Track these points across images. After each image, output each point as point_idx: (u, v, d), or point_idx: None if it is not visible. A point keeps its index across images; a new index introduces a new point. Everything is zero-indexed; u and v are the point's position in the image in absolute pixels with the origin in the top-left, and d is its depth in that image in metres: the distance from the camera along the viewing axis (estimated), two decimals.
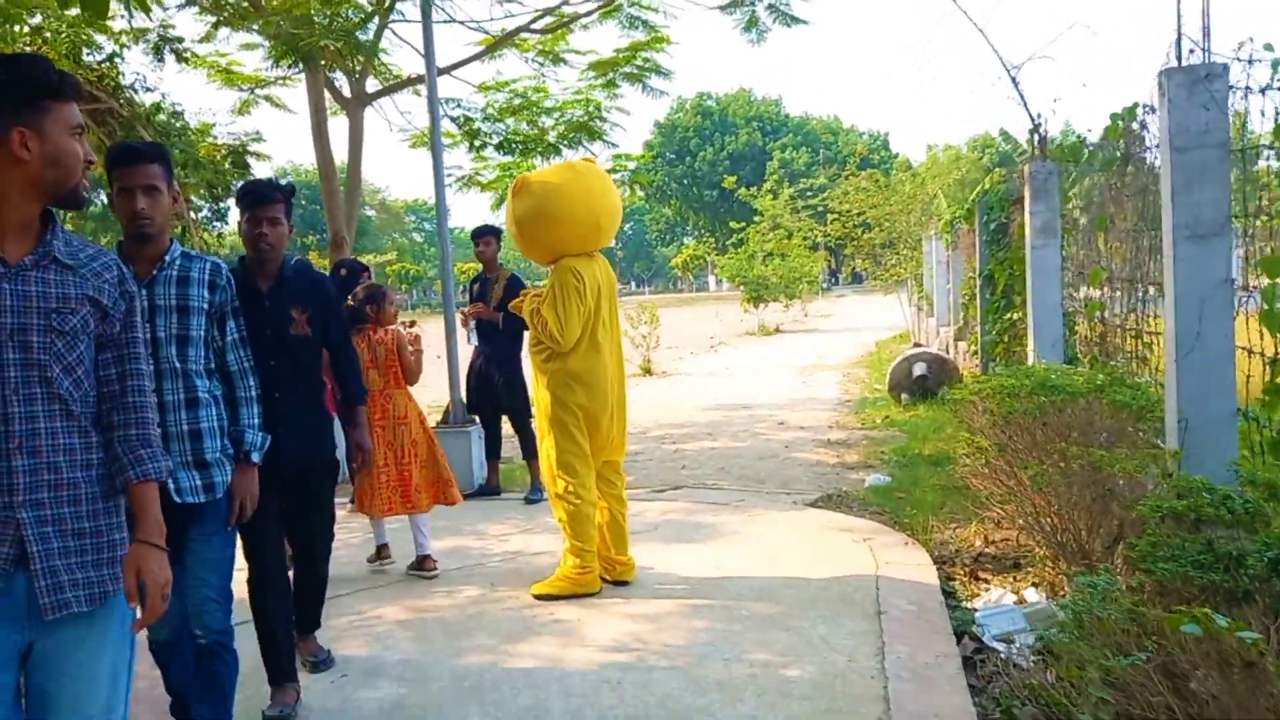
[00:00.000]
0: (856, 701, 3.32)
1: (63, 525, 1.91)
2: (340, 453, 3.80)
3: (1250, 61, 3.49)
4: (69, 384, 1.94)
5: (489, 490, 7.10)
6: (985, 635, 3.85)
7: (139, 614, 1.99)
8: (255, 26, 9.29)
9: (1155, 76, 3.49)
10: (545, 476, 4.81)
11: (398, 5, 9.62)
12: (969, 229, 10.55)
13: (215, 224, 10.85)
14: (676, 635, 4.01)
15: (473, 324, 7.07)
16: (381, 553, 5.29)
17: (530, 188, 4.69)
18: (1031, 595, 4.28)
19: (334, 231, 9.93)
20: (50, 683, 1.91)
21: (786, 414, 10.92)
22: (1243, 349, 3.50)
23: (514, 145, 10.91)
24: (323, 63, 9.60)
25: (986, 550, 5.08)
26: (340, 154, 10.35)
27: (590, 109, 10.88)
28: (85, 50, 7.85)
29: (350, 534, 5.93)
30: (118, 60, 7.76)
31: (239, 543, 3.15)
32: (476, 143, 10.93)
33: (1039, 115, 6.54)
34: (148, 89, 8.06)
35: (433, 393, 13.41)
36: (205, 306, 2.90)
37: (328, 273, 6.60)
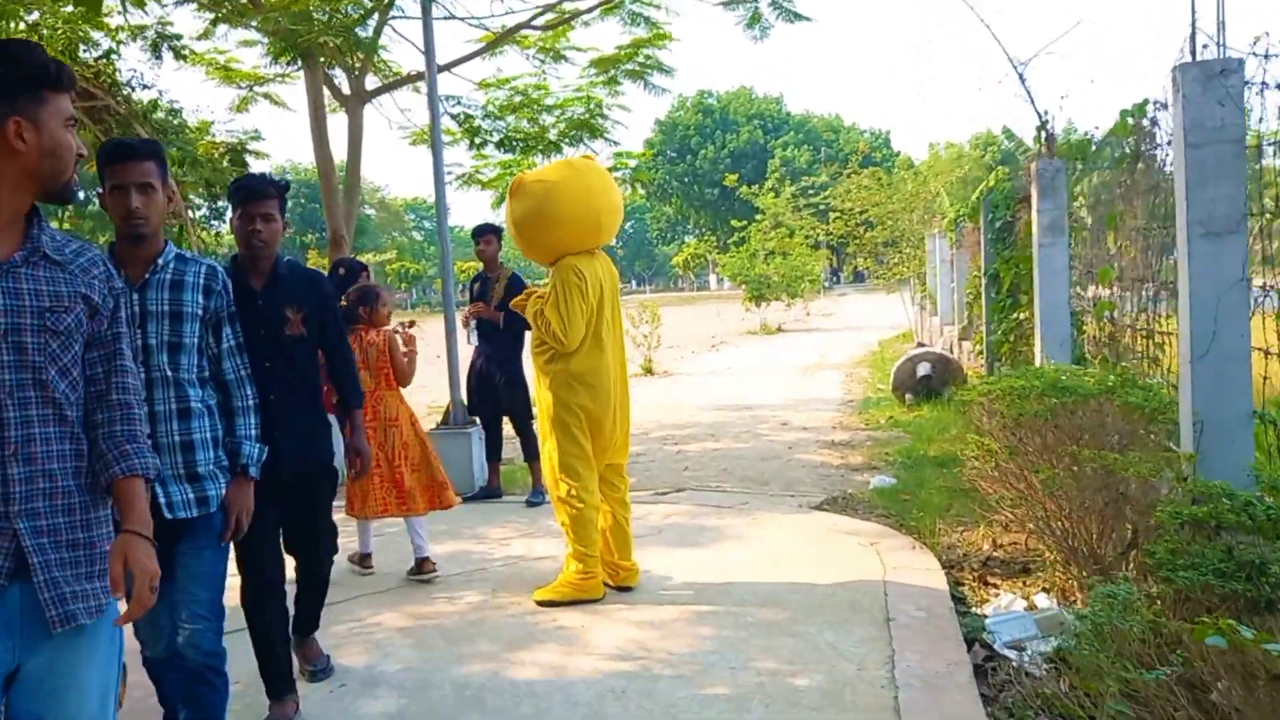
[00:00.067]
0: (867, 712, 3.25)
1: (58, 536, 1.83)
2: (338, 460, 3.72)
3: (1266, 56, 3.42)
4: (64, 387, 1.87)
5: (490, 493, 7.02)
6: (996, 642, 3.78)
7: (122, 607, 1.89)
8: (254, 23, 9.21)
9: (1169, 72, 3.41)
10: (547, 480, 4.74)
11: (397, 1, 9.55)
12: (974, 227, 10.48)
13: (213, 223, 10.79)
14: (682, 643, 3.94)
15: (473, 324, 6.99)
16: (364, 561, 5.21)
17: (527, 188, 4.62)
18: (1042, 601, 4.21)
19: (333, 230, 9.85)
20: (40, 704, 1.82)
21: (789, 414, 10.86)
22: (1259, 350, 3.43)
23: (515, 143, 10.84)
24: (322, 59, 9.53)
25: (995, 554, 5.01)
26: (339, 152, 10.28)
27: (591, 106, 10.81)
28: (81, 47, 7.79)
29: (349, 538, 5.85)
30: (114, 57, 7.69)
31: (232, 553, 3.04)
32: (477, 140, 10.86)
33: (1046, 112, 6.46)
34: (145, 86, 8.00)
35: (433, 393, 13.36)
36: (199, 312, 2.78)
37: (326, 272, 6.54)
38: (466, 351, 7.25)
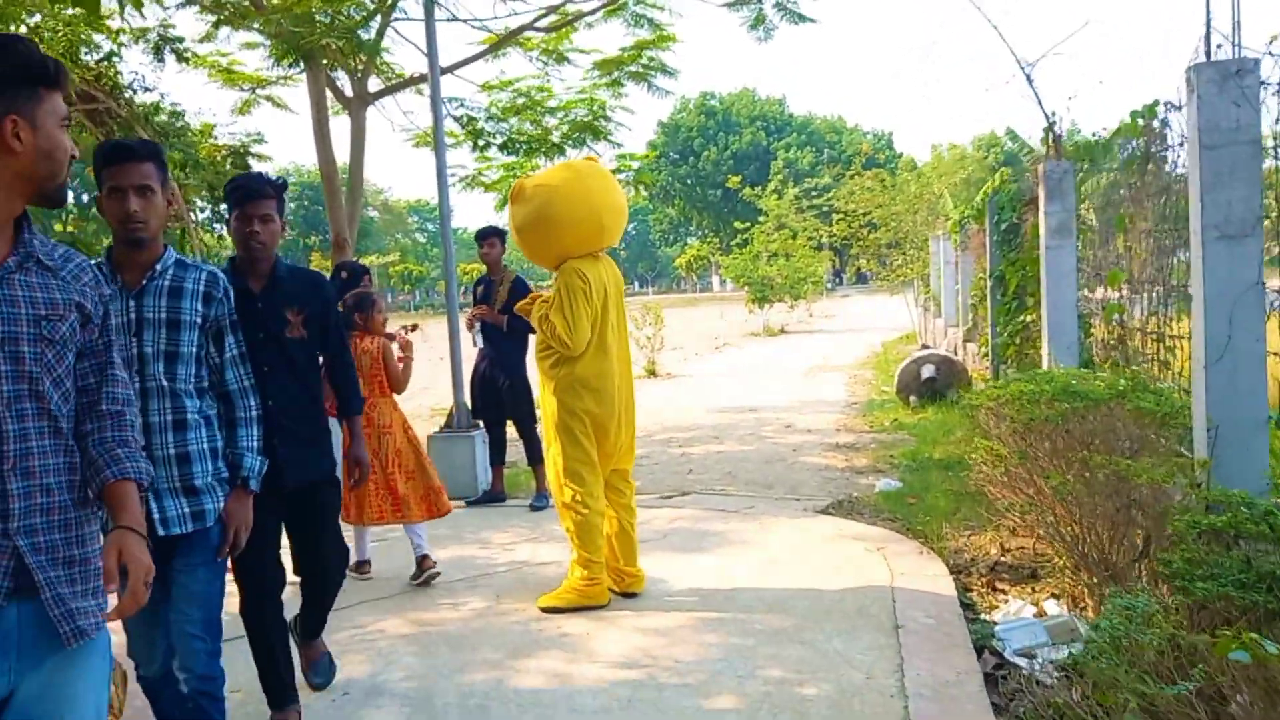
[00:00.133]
0: None
1: (55, 553, 1.77)
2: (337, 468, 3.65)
3: None
4: (58, 398, 1.81)
5: (493, 497, 6.98)
6: (1006, 650, 3.73)
7: (112, 602, 1.82)
8: (256, 25, 9.19)
9: (1183, 72, 3.36)
10: (552, 485, 4.70)
11: (400, 3, 9.53)
12: (979, 229, 10.43)
13: (216, 226, 10.75)
14: (688, 650, 3.90)
15: (478, 326, 6.95)
16: (361, 568, 5.17)
17: (528, 193, 4.58)
18: (1052, 607, 4.16)
19: (336, 232, 9.83)
20: None
21: (793, 416, 10.81)
22: (1275, 354, 3.38)
23: (518, 145, 10.81)
24: (324, 62, 9.51)
25: (1003, 559, 4.96)
26: (342, 154, 10.25)
27: (595, 108, 10.78)
28: (83, 49, 7.76)
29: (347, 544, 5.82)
30: (115, 60, 7.66)
31: (229, 563, 2.94)
32: (480, 142, 10.83)
33: (1053, 113, 6.41)
34: (146, 89, 7.96)
35: (436, 395, 13.32)
36: (198, 320, 2.68)
37: (328, 274, 6.50)
38: (470, 354, 7.21)
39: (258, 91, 10.78)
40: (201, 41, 9.80)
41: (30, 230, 1.82)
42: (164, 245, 2.69)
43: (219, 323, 2.74)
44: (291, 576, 3.47)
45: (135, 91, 8.03)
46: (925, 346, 15.28)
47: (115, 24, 8.07)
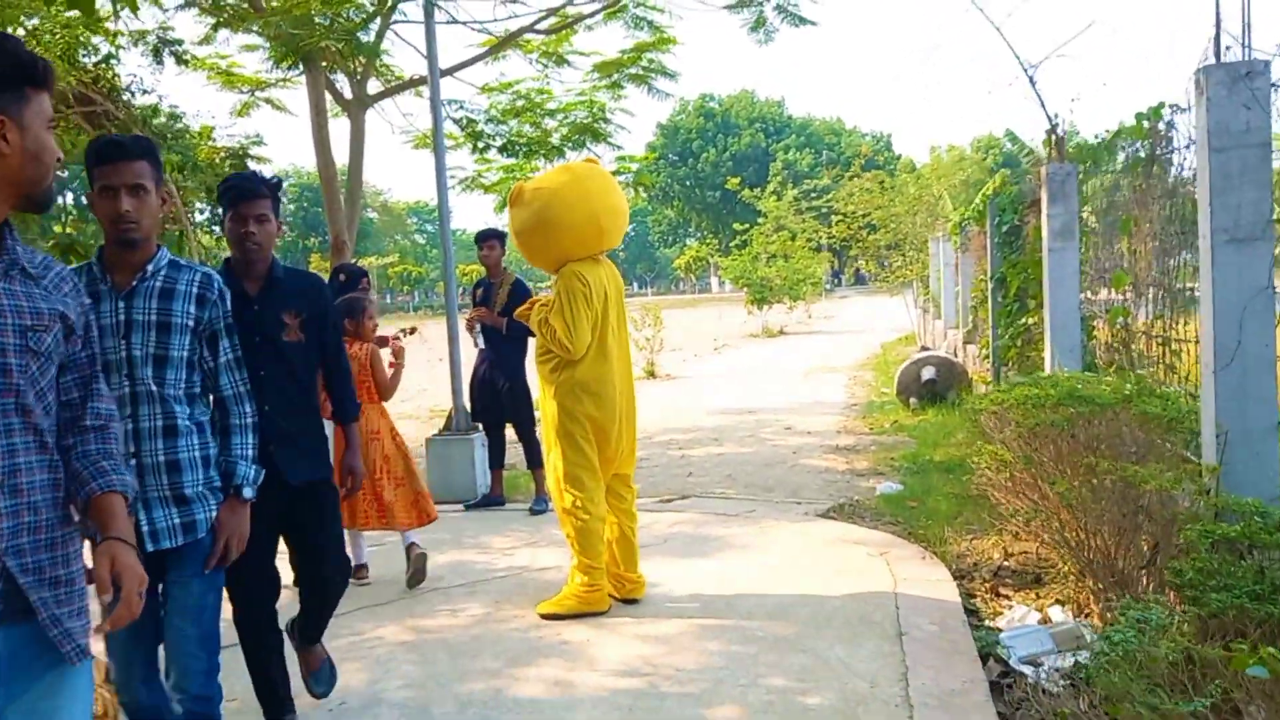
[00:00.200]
0: None
1: (42, 574, 1.69)
2: None
3: None
4: (41, 411, 1.74)
5: (493, 501, 6.94)
6: (1011, 658, 3.69)
7: (96, 615, 1.78)
8: (255, 28, 9.15)
9: (1192, 74, 3.33)
10: (552, 490, 4.65)
11: (400, 5, 9.48)
12: (979, 231, 10.39)
13: (215, 229, 10.70)
14: (689, 658, 3.85)
15: (479, 327, 6.91)
16: (359, 573, 5.12)
17: (526, 196, 4.54)
18: (1056, 614, 4.12)
19: (334, 234, 9.79)
20: None
21: (793, 418, 10.78)
22: None
23: (517, 147, 10.77)
24: (323, 64, 9.47)
25: (1006, 564, 4.93)
26: (341, 156, 10.22)
27: (594, 111, 10.75)
28: (80, 52, 7.72)
29: None
30: (114, 62, 7.62)
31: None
32: (479, 144, 10.79)
33: (1056, 115, 6.38)
34: (145, 91, 7.92)
35: (435, 397, 13.28)
36: (190, 323, 2.58)
37: (327, 277, 6.46)
38: (469, 356, 7.17)
39: (257, 94, 10.74)
40: (200, 44, 9.77)
41: (13, 236, 1.75)
42: (157, 245, 2.60)
43: (213, 326, 2.65)
44: (288, 582, 3.39)
45: (133, 94, 7.99)
46: (925, 348, 15.25)
47: (114, 26, 8.04)
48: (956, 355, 12.12)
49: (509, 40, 10.23)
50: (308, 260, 56.55)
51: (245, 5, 9.27)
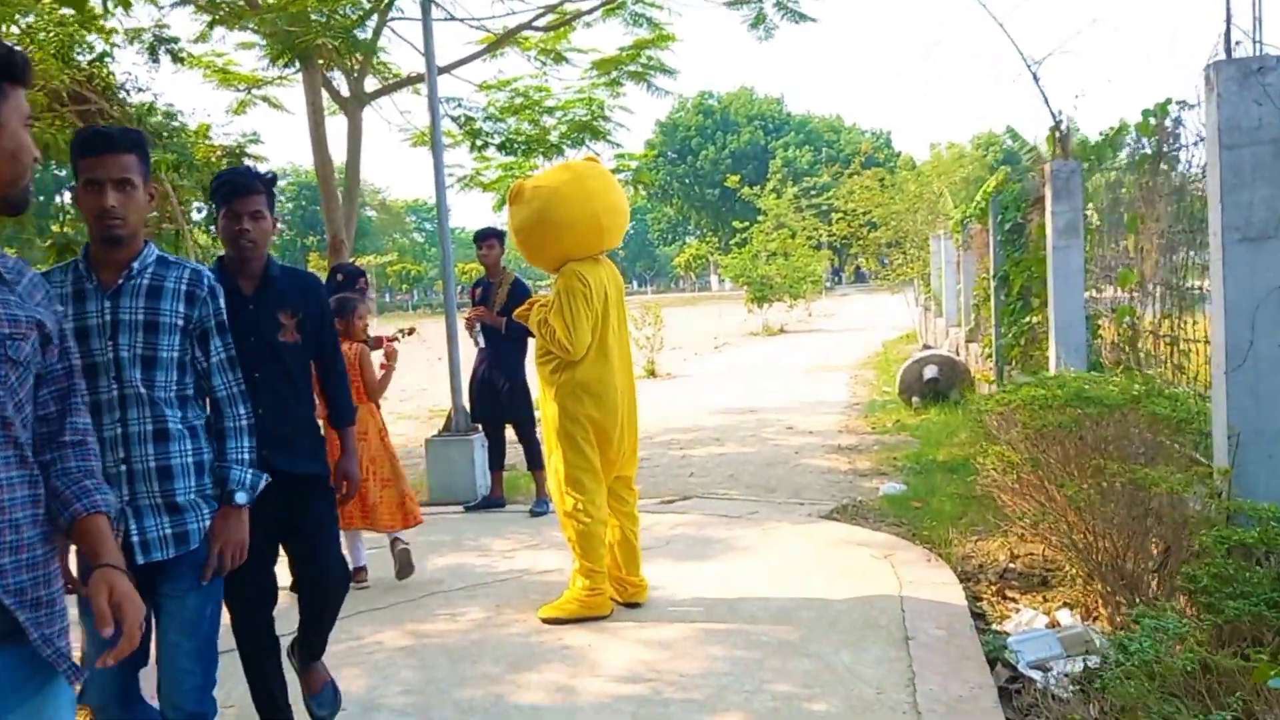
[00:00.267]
0: None
1: (24, 595, 1.60)
2: None
3: None
4: (19, 423, 1.65)
5: (493, 502, 6.88)
6: (1019, 662, 3.64)
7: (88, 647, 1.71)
8: (251, 25, 9.08)
9: (1201, 70, 3.27)
10: (553, 493, 4.60)
11: (396, 2, 9.43)
12: (981, 228, 10.34)
13: (212, 227, 10.64)
14: (693, 663, 3.80)
15: (479, 327, 6.85)
16: (357, 575, 5.06)
17: (526, 194, 4.49)
18: (1064, 617, 4.06)
19: (332, 233, 9.73)
20: None
21: (794, 418, 10.72)
22: None
23: (516, 145, 10.71)
24: (320, 62, 9.40)
25: (1012, 566, 4.87)
26: (339, 154, 10.16)
27: (593, 108, 10.69)
28: (76, 50, 7.65)
29: None
30: (108, 60, 7.55)
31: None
32: (478, 142, 10.73)
33: (1060, 112, 6.32)
34: (140, 89, 7.85)
35: (435, 397, 13.22)
36: (179, 322, 2.46)
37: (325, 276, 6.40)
38: (469, 356, 7.11)
39: (253, 92, 10.67)
40: (196, 41, 9.70)
41: None
42: (144, 242, 2.48)
43: (204, 324, 2.52)
44: (286, 583, 3.30)
45: (129, 92, 7.92)
46: (927, 346, 15.19)
47: (109, 24, 7.97)
48: (959, 354, 12.07)
49: (507, 37, 10.17)
50: (306, 259, 56.45)
51: (241, 2, 9.21)
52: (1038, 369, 6.62)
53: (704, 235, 69.95)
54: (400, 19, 10.21)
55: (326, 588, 3.21)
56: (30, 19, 7.56)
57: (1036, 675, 3.54)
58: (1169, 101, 4.47)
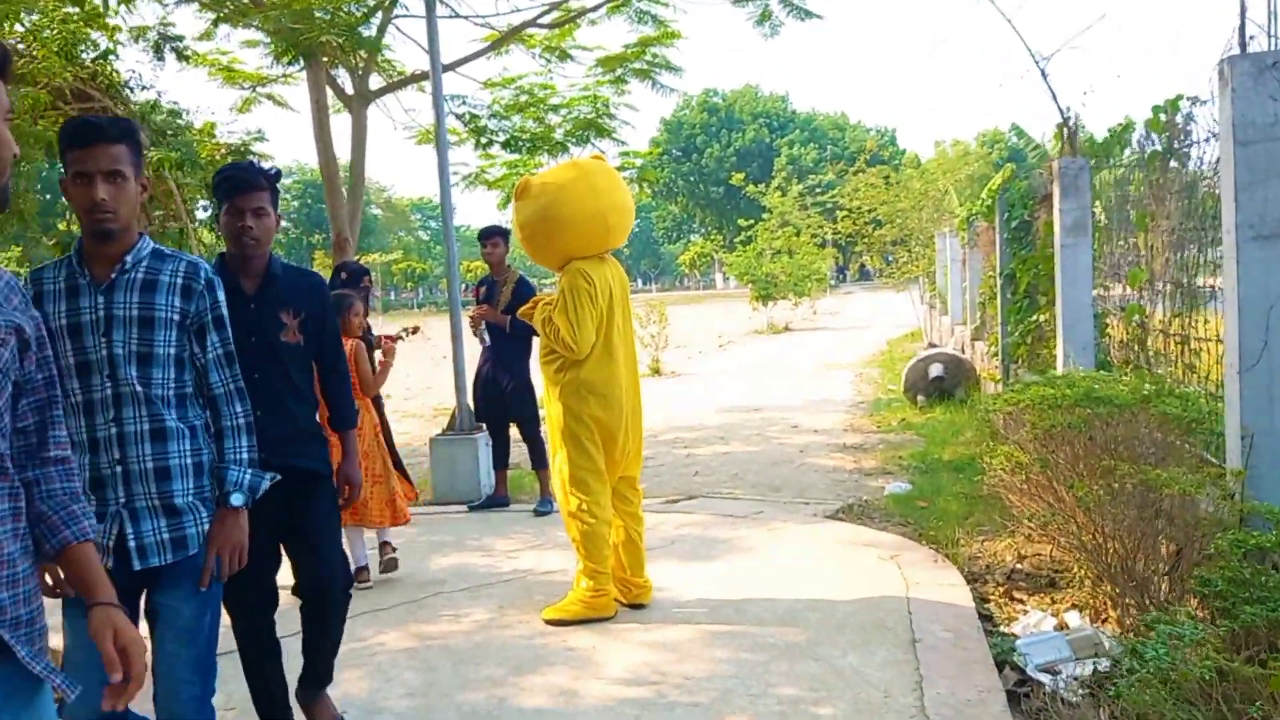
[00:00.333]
0: None
1: (2, 614, 1.53)
2: None
3: None
4: None
5: (497, 502, 6.85)
6: (1028, 665, 3.59)
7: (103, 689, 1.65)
8: (256, 23, 9.06)
9: (1215, 65, 3.22)
10: (558, 493, 4.57)
11: (401, 0, 9.39)
12: (988, 226, 10.28)
13: (216, 224, 10.62)
14: (698, 666, 3.76)
15: (484, 325, 6.82)
16: (360, 575, 5.02)
17: (533, 190, 4.45)
18: (1073, 619, 4.02)
19: (337, 231, 9.70)
20: None
21: (799, 416, 10.68)
22: None
23: (521, 143, 10.67)
24: (325, 59, 9.37)
25: (1019, 566, 4.83)
26: (344, 152, 10.13)
27: (598, 106, 10.65)
28: (80, 48, 7.63)
29: None
30: (112, 58, 7.52)
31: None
32: (483, 140, 10.69)
33: (1068, 108, 6.27)
34: (144, 87, 7.82)
35: (439, 395, 13.20)
36: (175, 317, 2.37)
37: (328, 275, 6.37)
38: (473, 356, 7.08)
39: (258, 90, 10.65)
40: (200, 39, 9.68)
41: None
42: (139, 234, 2.40)
43: (201, 319, 2.43)
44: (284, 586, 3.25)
45: (132, 90, 7.89)
46: (932, 345, 15.13)
47: (114, 22, 7.95)
48: (964, 352, 12.02)
49: (512, 35, 10.13)
50: (312, 258, 56.51)
51: (246, 0, 9.18)
52: (1045, 367, 6.57)
53: (708, 233, 69.89)
54: (405, 16, 10.21)
55: (327, 590, 3.12)
56: (34, 17, 7.55)
57: (1045, 678, 3.50)
58: (1180, 97, 4.42)
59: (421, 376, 16.07)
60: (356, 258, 9.55)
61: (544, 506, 6.48)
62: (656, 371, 16.34)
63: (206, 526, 2.41)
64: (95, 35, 7.79)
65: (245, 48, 10.01)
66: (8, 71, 1.60)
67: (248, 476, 2.48)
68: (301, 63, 9.37)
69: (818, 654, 3.81)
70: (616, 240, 4.57)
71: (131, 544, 2.29)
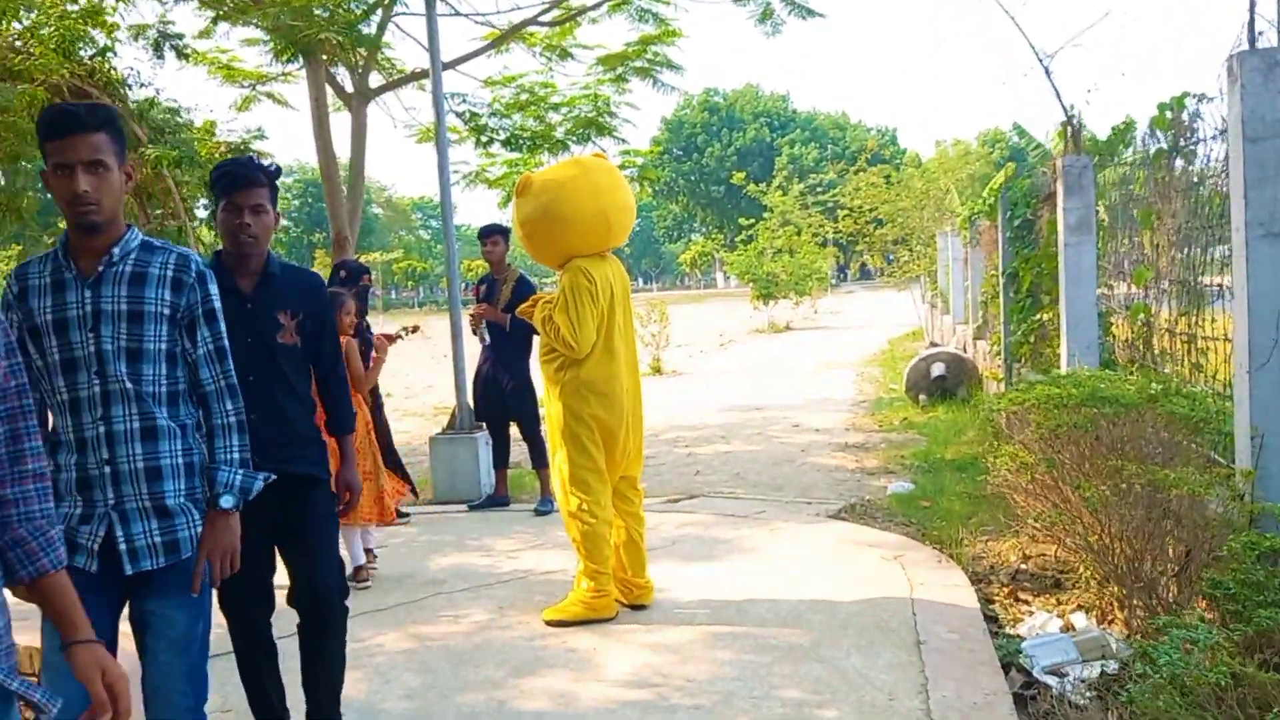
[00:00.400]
0: None
1: None
2: None
3: None
4: None
5: (497, 501, 6.82)
6: (1035, 668, 3.56)
7: None
8: (255, 21, 9.02)
9: (1223, 61, 3.18)
10: (558, 493, 4.53)
11: None
12: (990, 225, 10.24)
13: (215, 222, 10.58)
14: (700, 668, 3.73)
15: (484, 324, 6.78)
16: (357, 574, 4.97)
17: (534, 188, 4.41)
18: (1080, 621, 3.98)
19: (336, 230, 9.67)
20: None
21: (801, 415, 10.65)
22: None
23: (521, 141, 10.63)
24: (324, 57, 9.33)
25: (1024, 567, 4.79)
26: (343, 151, 10.09)
27: (599, 104, 10.61)
28: (79, 45, 7.59)
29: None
30: (110, 55, 7.49)
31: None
32: (483, 139, 10.65)
33: (1072, 106, 6.23)
34: (142, 84, 7.79)
35: (440, 394, 13.17)
36: (165, 311, 2.29)
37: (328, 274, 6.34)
38: (473, 354, 7.04)
39: (258, 88, 10.61)
40: (200, 37, 9.63)
41: None
42: (127, 226, 2.32)
43: (191, 312, 2.34)
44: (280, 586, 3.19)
45: (131, 87, 7.86)
46: (934, 344, 15.09)
47: (112, 20, 7.91)
48: (966, 351, 11.98)
49: (512, 33, 10.09)
50: (312, 256, 56.44)
51: None
52: (1048, 367, 6.53)
53: (709, 232, 69.80)
54: (405, 14, 10.17)
55: (324, 598, 3.03)
56: (33, 15, 7.51)
57: (1052, 681, 3.46)
58: (1185, 94, 4.38)
59: (422, 375, 16.04)
60: (356, 256, 9.52)
61: (544, 506, 6.44)
62: (657, 370, 16.30)
63: (199, 529, 2.33)
64: (94, 32, 7.76)
65: (245, 46, 9.98)
66: None
67: (239, 478, 2.40)
68: (301, 61, 9.33)
69: (821, 656, 3.77)
70: (617, 239, 4.54)
71: (122, 547, 2.22)
